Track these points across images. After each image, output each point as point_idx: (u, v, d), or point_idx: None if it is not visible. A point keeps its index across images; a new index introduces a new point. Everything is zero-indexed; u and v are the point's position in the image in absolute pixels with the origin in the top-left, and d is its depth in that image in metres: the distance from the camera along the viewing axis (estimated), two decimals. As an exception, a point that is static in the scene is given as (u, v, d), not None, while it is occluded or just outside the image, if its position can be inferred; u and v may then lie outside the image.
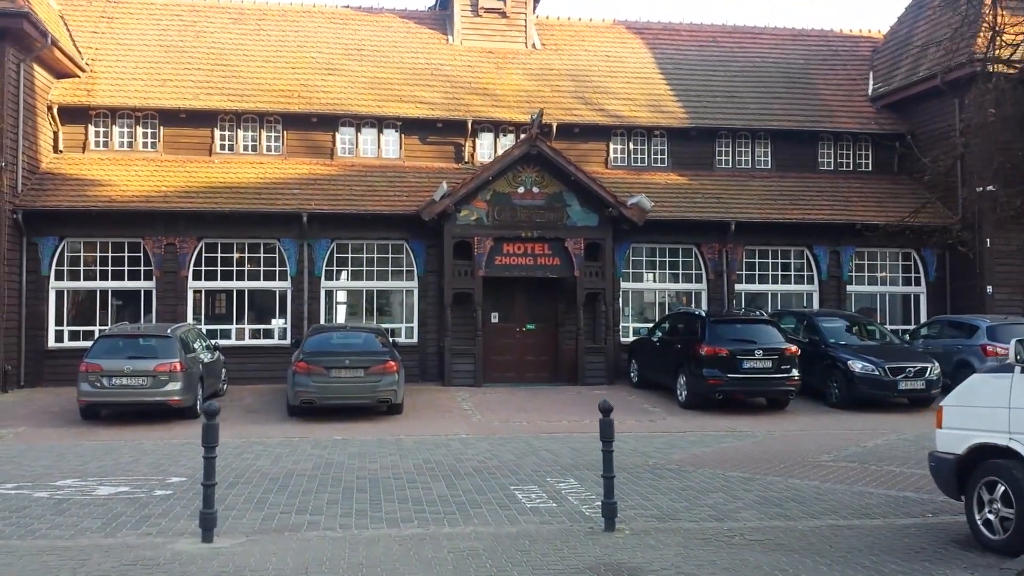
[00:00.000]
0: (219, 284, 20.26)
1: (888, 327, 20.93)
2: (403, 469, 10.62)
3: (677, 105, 23.79)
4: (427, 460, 11.28)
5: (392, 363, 15.20)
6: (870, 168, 24.24)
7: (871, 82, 25.55)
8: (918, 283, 22.74)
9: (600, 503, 8.37)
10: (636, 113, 23.31)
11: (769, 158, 23.78)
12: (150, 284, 19.92)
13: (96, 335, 17.41)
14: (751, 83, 24.90)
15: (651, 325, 20.21)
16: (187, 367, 14.81)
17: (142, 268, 19.98)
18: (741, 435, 13.82)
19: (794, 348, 16.27)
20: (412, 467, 10.79)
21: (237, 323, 20.31)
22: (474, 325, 20.20)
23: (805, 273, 22.36)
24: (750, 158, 23.72)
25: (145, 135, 21.47)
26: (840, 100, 24.89)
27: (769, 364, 16.02)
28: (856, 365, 16.72)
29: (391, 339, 17.13)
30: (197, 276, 20.12)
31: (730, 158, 23.66)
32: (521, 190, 20.11)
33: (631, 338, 21.24)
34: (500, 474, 10.27)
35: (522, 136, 21.93)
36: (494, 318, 20.80)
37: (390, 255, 20.89)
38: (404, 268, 20.90)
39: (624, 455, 11.71)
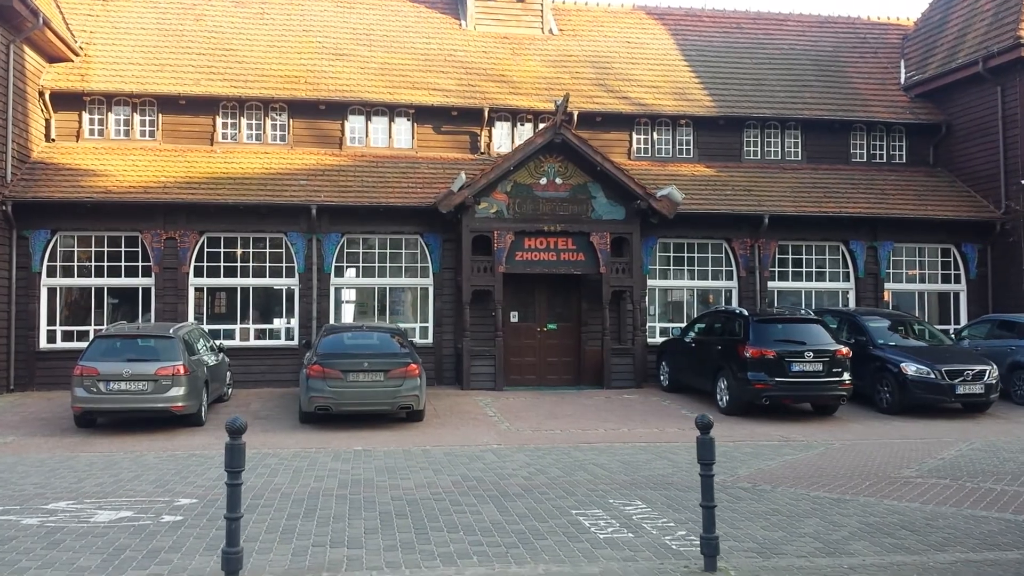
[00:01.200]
0: (222, 281, 19.02)
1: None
2: (441, 487, 9.42)
3: (703, 93, 22.62)
4: (465, 476, 10.08)
5: (414, 366, 13.99)
6: (904, 160, 23.11)
7: (903, 70, 24.42)
8: (958, 280, 21.60)
9: (683, 533, 7.20)
10: (660, 101, 22.13)
11: (799, 149, 22.61)
12: (148, 281, 18.68)
13: (91, 336, 16.15)
14: (779, 71, 23.75)
15: (683, 325, 19.01)
16: (191, 370, 13.58)
17: (140, 264, 18.74)
18: (798, 445, 12.64)
19: (845, 349, 15.11)
20: (451, 485, 9.58)
21: (241, 322, 19.08)
22: (493, 325, 19.02)
23: (840, 270, 21.20)
24: (779, 149, 22.56)
25: (143, 123, 20.21)
26: (872, 89, 23.75)
27: (820, 367, 14.84)
28: (909, 368, 15.57)
29: (410, 340, 15.89)
30: (199, 272, 18.88)
31: (758, 149, 22.49)
32: (543, 181, 18.91)
33: (659, 339, 20.08)
34: (553, 494, 9.07)
35: (543, 124, 20.76)
36: (514, 317, 19.61)
37: (403, 250, 19.67)
38: (418, 264, 19.69)
39: (683, 470, 10.52)
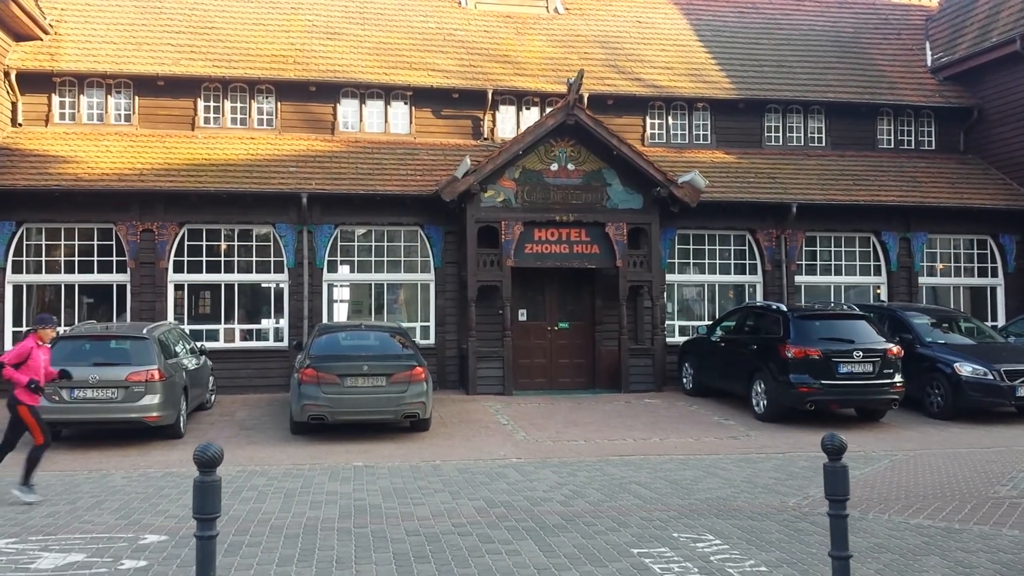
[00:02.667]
0: (204, 277, 17.41)
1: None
2: (464, 516, 7.87)
3: (721, 74, 21.13)
4: (489, 500, 8.54)
5: (420, 369, 12.44)
6: (933, 146, 21.68)
7: (929, 52, 23.01)
8: (995, 274, 20.17)
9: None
10: (676, 83, 20.63)
11: (823, 134, 21.15)
12: (124, 277, 17.06)
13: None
14: (800, 52, 22.29)
15: (708, 323, 17.50)
16: (167, 375, 11.98)
17: (114, 258, 17.13)
18: (857, 457, 11.14)
19: (896, 348, 13.64)
20: (474, 512, 8.04)
21: (226, 322, 17.47)
22: (501, 324, 17.48)
23: (872, 263, 19.75)
24: (802, 134, 21.08)
25: (118, 106, 18.58)
26: (898, 71, 22.32)
27: (870, 368, 13.36)
28: (964, 368, 14.12)
29: (413, 340, 14.30)
30: (179, 268, 17.27)
31: (780, 135, 21.01)
32: (554, 167, 17.37)
33: (678, 338, 18.59)
34: (602, 525, 7.53)
35: (551, 108, 19.23)
36: (522, 315, 18.06)
37: (402, 243, 18.10)
38: (419, 258, 18.12)
39: (743, 490, 9.01)
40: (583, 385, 18.03)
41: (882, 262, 19.66)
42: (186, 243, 17.33)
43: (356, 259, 17.98)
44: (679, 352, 17.67)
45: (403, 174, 18.07)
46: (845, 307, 14.88)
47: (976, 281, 20.13)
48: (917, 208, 19.25)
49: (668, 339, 18.31)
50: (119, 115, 18.55)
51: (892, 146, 21.45)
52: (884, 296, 19.54)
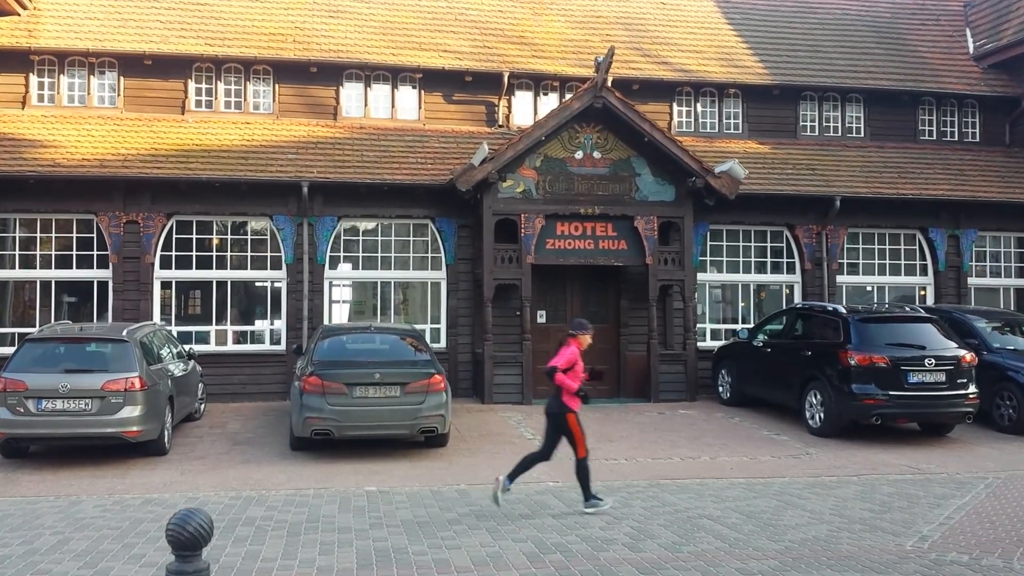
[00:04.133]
0: (194, 274, 15.87)
1: None
2: (514, 566, 6.37)
3: (753, 59, 19.66)
4: (539, 543, 7.02)
5: (438, 377, 10.92)
6: (977, 138, 20.21)
7: (970, 39, 21.55)
8: (1047, 274, 18.74)
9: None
10: (706, 67, 19.14)
11: (862, 124, 19.67)
12: (105, 273, 15.52)
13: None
14: (835, 37, 20.82)
15: (749, 326, 15.99)
16: (150, 384, 10.44)
17: (95, 252, 15.60)
18: (947, 481, 9.68)
19: (970, 356, 12.15)
20: (525, 560, 6.53)
21: (217, 323, 15.92)
22: (519, 326, 16.01)
23: (917, 262, 18.28)
24: (839, 124, 19.60)
25: (101, 87, 17.02)
26: (939, 58, 20.86)
27: (942, 377, 11.88)
28: (1041, 377, 12.65)
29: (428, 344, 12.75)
30: (166, 263, 15.73)
31: (816, 124, 19.53)
32: (579, 155, 15.88)
33: (709, 342, 17.09)
34: (688, 581, 6.03)
35: (571, 94, 17.75)
36: (540, 317, 16.54)
37: (411, 238, 16.59)
38: (429, 254, 16.60)
39: (834, 525, 7.50)
40: (607, 394, 16.51)
41: (928, 261, 18.20)
42: (174, 236, 15.80)
43: (361, 255, 16.44)
44: (713, 358, 16.18)
45: (412, 162, 16.55)
46: (908, 309, 13.38)
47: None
48: (968, 203, 17.79)
49: (699, 343, 16.79)
50: (102, 97, 17.00)
51: (934, 138, 19.98)
52: (930, 298, 18.07)
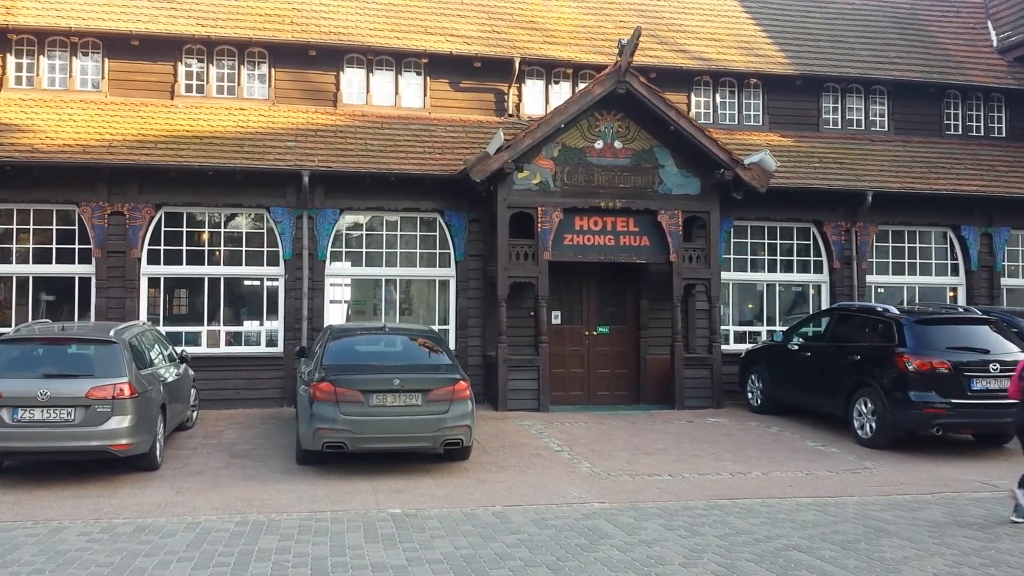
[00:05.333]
0: (185, 270, 14.71)
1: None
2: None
3: (773, 48, 18.71)
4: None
5: (463, 384, 9.84)
6: (1003, 133, 19.35)
7: (992, 31, 20.72)
8: (1083, 275, 17.89)
9: None
10: (725, 56, 18.17)
11: (885, 118, 18.76)
12: (87, 269, 14.33)
13: None
14: (856, 27, 19.91)
15: (782, 328, 15.01)
16: (140, 390, 9.30)
17: (76, 246, 14.41)
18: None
19: (1036, 361, 11.18)
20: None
21: (209, 324, 14.76)
22: (534, 328, 15.00)
23: (948, 262, 17.38)
24: (862, 117, 18.67)
25: (84, 69, 15.81)
26: (963, 50, 20.01)
27: (1008, 383, 10.89)
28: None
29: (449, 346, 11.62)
30: (154, 258, 14.56)
31: (839, 117, 18.59)
32: (599, 145, 14.85)
33: (732, 345, 16.10)
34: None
35: (585, 80, 16.75)
36: (555, 318, 15.48)
37: (418, 232, 15.50)
38: (437, 250, 15.51)
39: (956, 561, 6.49)
40: (625, 399, 15.53)
41: (960, 260, 17.32)
42: (163, 229, 14.63)
43: (364, 251, 15.33)
44: (741, 362, 15.19)
45: (419, 152, 15.45)
46: (961, 310, 12.42)
47: (1061, 283, 17.81)
48: (1002, 200, 16.91)
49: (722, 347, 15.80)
50: (85, 80, 15.79)
51: (960, 132, 19.10)
52: (961, 299, 17.19)
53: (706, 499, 8.69)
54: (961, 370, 10.85)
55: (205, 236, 14.83)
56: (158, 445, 9.77)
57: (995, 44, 20.35)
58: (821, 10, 20.23)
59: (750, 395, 14.63)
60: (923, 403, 10.87)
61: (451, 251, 15.39)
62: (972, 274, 17.14)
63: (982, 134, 19.21)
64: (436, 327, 15.21)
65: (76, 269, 14.33)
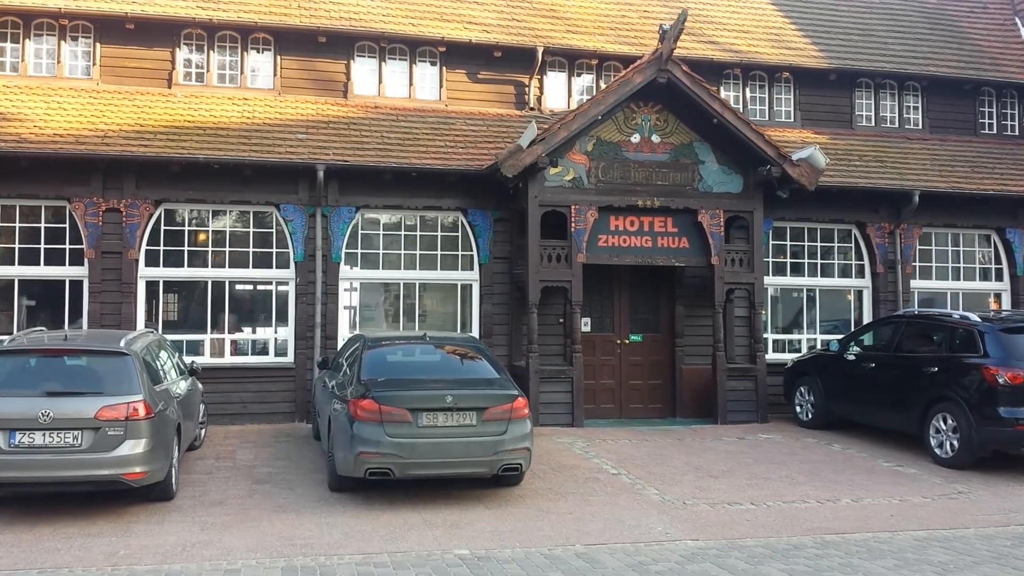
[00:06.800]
0: (186, 272, 13.48)
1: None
2: None
3: (805, 41, 17.78)
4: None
5: (522, 401, 8.73)
6: (1038, 133, 18.57)
7: (1021, 28, 19.95)
8: None
9: None
10: (756, 48, 17.21)
11: (920, 115, 17.89)
12: (80, 271, 13.06)
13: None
14: (887, 21, 19.05)
15: (838, 337, 14.01)
16: (156, 410, 8.09)
17: (67, 246, 13.14)
18: None
19: None
20: None
21: (213, 331, 13.55)
22: (562, 335, 14.00)
23: (992, 266, 16.51)
24: (896, 115, 17.79)
25: (74, 55, 14.55)
26: (996, 46, 19.21)
27: (1106, 400, 9.99)
28: None
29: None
30: (152, 260, 13.32)
31: (872, 114, 17.70)
32: (635, 139, 13.82)
33: (771, 353, 15.09)
34: None
35: (610, 72, 15.75)
36: (584, 326, 14.39)
37: (439, 232, 14.36)
38: (459, 252, 14.39)
39: None
40: (659, 413, 14.51)
41: (1004, 264, 16.46)
42: (163, 228, 13.40)
43: (381, 252, 14.17)
44: (788, 373, 14.20)
45: (440, 146, 14.33)
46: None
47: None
48: (1046, 201, 16.07)
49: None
50: (75, 66, 14.53)
51: (995, 131, 18.28)
52: (1006, 305, 16.33)
53: (809, 534, 7.64)
54: (1058, 384, 9.91)
55: (209, 235, 13.61)
56: (174, 471, 8.57)
57: (1025, 40, 19.58)
58: (849, 2, 19.35)
59: (799, 408, 13.64)
60: (1015, 419, 9.91)
61: (474, 253, 14.28)
62: (1017, 279, 16.29)
63: (1017, 133, 18.41)
64: (458, 335, 14.12)
65: (67, 271, 13.05)
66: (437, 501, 8.61)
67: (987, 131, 18.23)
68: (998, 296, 16.46)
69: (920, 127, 17.85)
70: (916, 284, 15.91)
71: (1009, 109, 18.50)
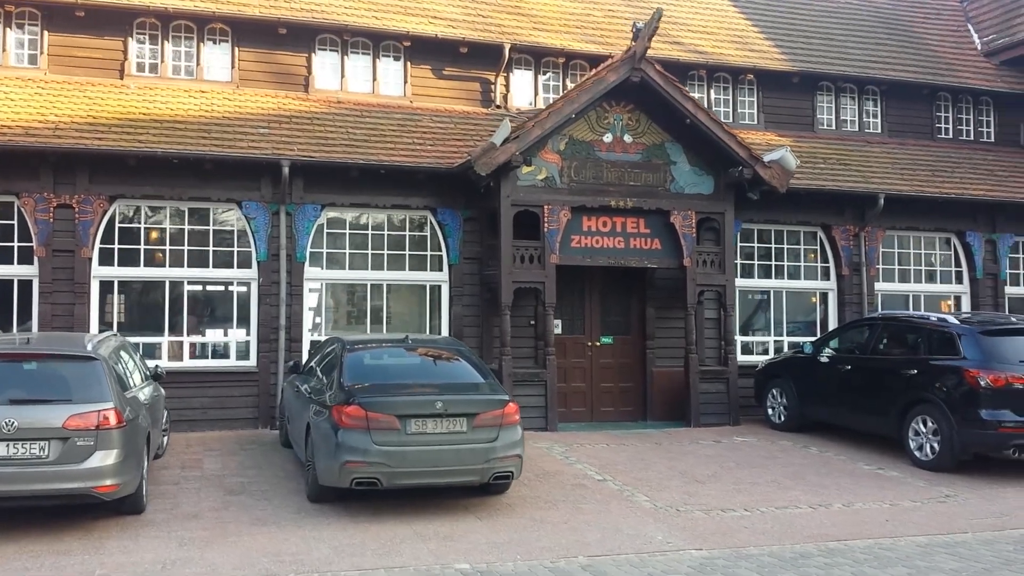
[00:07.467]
0: (142, 272, 12.87)
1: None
2: None
3: (768, 43, 17.81)
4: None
5: (513, 406, 8.43)
6: (992, 138, 18.89)
7: (974, 34, 20.31)
8: (1080, 284, 17.47)
9: None
10: (720, 49, 17.17)
11: (879, 120, 18.06)
12: (28, 270, 12.37)
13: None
14: (846, 26, 19.20)
15: (811, 339, 14.02)
16: (127, 419, 7.59)
17: (15, 244, 12.44)
18: None
19: (1108, 376, 10.38)
20: None
21: (171, 333, 12.96)
22: (533, 337, 13.79)
23: (953, 269, 16.71)
24: (856, 119, 17.94)
25: (20, 43, 13.81)
26: (951, 52, 19.51)
27: (1084, 401, 10.08)
28: None
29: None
30: (107, 259, 12.69)
31: (833, 117, 17.81)
32: (608, 138, 13.63)
33: (740, 356, 15.00)
34: None
35: (576, 71, 15.58)
36: (556, 328, 14.12)
37: (407, 232, 13.99)
38: (428, 252, 14.02)
39: None
40: (631, 416, 14.35)
41: (964, 268, 16.67)
42: (117, 225, 12.78)
43: (347, 251, 13.73)
44: (759, 375, 14.15)
45: (407, 143, 13.95)
46: (1017, 320, 11.56)
47: (1058, 291, 17.34)
48: (1008, 205, 16.32)
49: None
50: (20, 55, 13.79)
51: (951, 136, 18.54)
52: (965, 308, 16.54)
53: (812, 541, 7.49)
54: (1038, 385, 9.96)
55: (167, 233, 13.00)
56: (144, 483, 8.06)
57: (979, 47, 19.92)
58: (808, 6, 19.46)
59: (771, 411, 13.59)
60: (997, 422, 9.94)
61: (444, 253, 13.93)
62: (977, 282, 16.51)
63: (972, 138, 18.71)
64: (425, 338, 13.75)
65: (15, 271, 12.34)
66: (424, 512, 8.26)
67: (943, 135, 18.48)
68: (957, 299, 16.65)
69: (880, 131, 18.02)
70: (880, 286, 16.02)
71: (964, 114, 18.78)
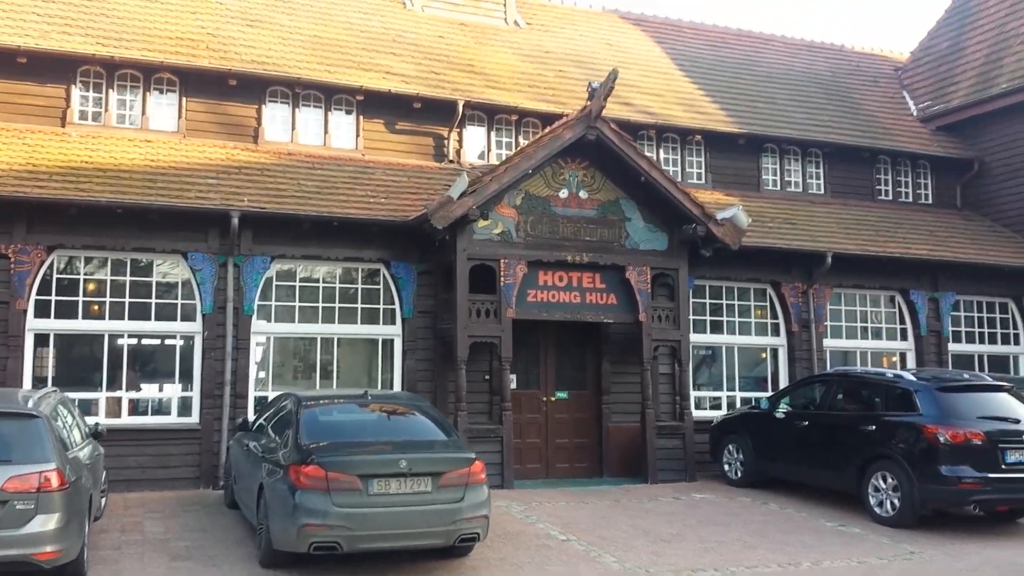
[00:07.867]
0: (80, 324, 12.32)
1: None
2: None
3: (714, 106, 18.16)
4: None
5: (479, 464, 8.14)
6: (930, 200, 19.47)
7: (910, 101, 21.07)
8: (1017, 341, 17.90)
9: None
10: (670, 111, 17.45)
11: (821, 181, 18.50)
12: (-42, 322, 11.73)
13: None
14: (787, 90, 19.74)
15: (768, 395, 14.02)
16: (69, 480, 7.10)
17: (-55, 295, 11.81)
18: None
19: (1063, 431, 10.52)
20: None
21: (109, 389, 12.37)
22: (488, 392, 13.58)
23: (898, 326, 16.98)
24: (800, 179, 18.34)
25: (-45, 87, 13.33)
26: (889, 117, 20.17)
27: (1041, 456, 10.18)
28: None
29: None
30: (42, 311, 12.12)
31: (778, 178, 18.19)
32: (564, 194, 13.61)
33: (694, 411, 14.91)
34: None
35: (529, 128, 15.67)
36: (511, 383, 13.87)
37: (360, 285, 13.69)
38: (381, 305, 13.73)
39: None
40: (586, 472, 14.14)
41: (908, 325, 16.93)
42: (55, 276, 12.24)
43: (297, 305, 13.36)
44: (714, 431, 14.05)
45: (360, 196, 13.75)
46: (967, 376, 11.69)
47: (1000, 349, 17.74)
48: (948, 264, 16.69)
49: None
50: (-44, 100, 13.31)
51: (891, 198, 19.06)
52: (911, 365, 16.78)
53: (788, 601, 7.31)
54: (996, 441, 10.02)
55: (107, 284, 12.49)
56: (85, 548, 7.53)
57: (915, 113, 20.63)
58: (750, 72, 19.97)
59: (727, 467, 13.47)
60: (957, 478, 9.95)
61: (397, 306, 13.65)
62: (921, 339, 16.78)
63: (911, 200, 19.26)
64: (379, 394, 13.37)
65: (-57, 323, 11.70)
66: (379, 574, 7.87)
67: (884, 196, 18.98)
68: (903, 356, 16.89)
69: (823, 192, 18.43)
70: (828, 343, 16.17)
71: (903, 177, 19.33)
